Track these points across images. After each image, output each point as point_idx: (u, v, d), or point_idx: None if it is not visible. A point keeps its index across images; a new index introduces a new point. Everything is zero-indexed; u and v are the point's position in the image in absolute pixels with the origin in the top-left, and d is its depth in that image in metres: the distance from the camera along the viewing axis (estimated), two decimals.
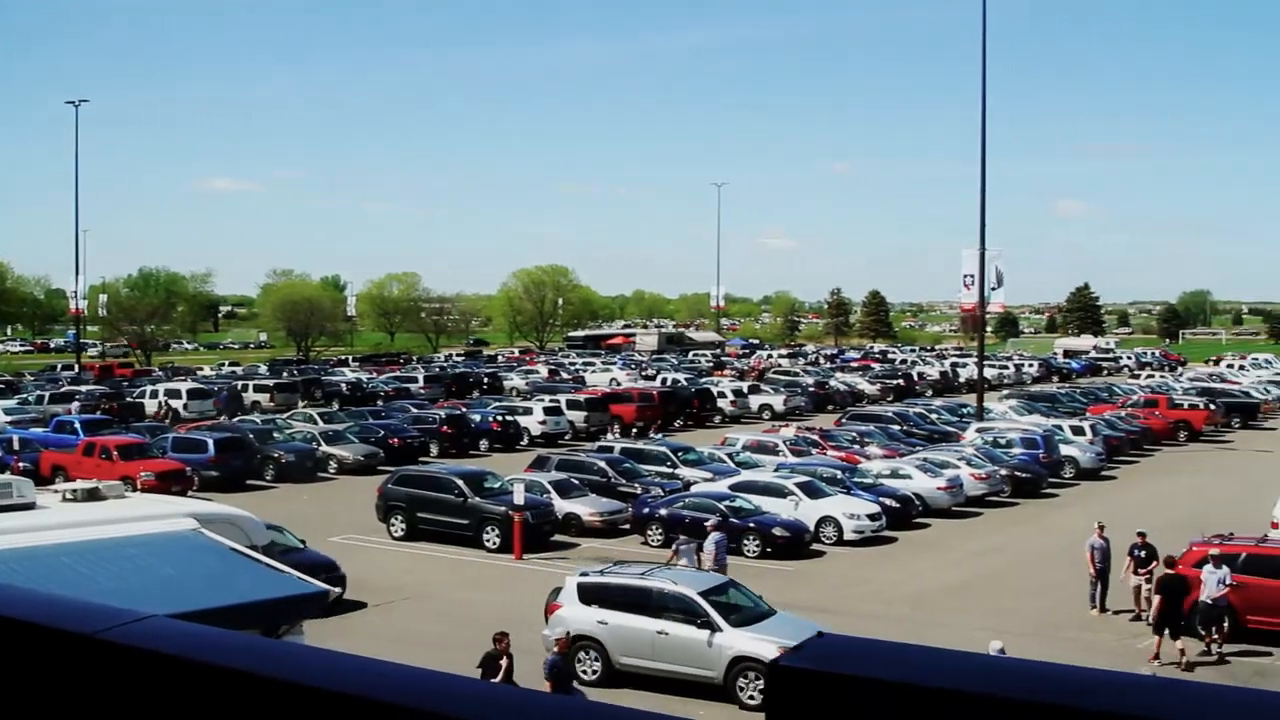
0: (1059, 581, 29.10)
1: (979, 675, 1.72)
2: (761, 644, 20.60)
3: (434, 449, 52.20)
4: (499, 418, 56.60)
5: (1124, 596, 26.92)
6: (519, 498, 32.86)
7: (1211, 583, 24.11)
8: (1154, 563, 25.71)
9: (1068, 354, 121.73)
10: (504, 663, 18.96)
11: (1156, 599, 24.11)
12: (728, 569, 27.21)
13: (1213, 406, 64.02)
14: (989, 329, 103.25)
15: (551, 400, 61.72)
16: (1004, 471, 42.56)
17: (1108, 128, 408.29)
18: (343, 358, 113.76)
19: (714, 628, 21.44)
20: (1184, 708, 1.61)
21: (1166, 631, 23.57)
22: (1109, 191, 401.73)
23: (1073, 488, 45.39)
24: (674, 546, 29.09)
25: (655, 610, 22.07)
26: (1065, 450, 47.88)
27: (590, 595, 22.82)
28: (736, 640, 21.23)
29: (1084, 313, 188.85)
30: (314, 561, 26.51)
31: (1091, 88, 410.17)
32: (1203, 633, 24.17)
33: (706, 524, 30.82)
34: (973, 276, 55.49)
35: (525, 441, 55.22)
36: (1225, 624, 24.33)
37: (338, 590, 17.69)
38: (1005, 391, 77.66)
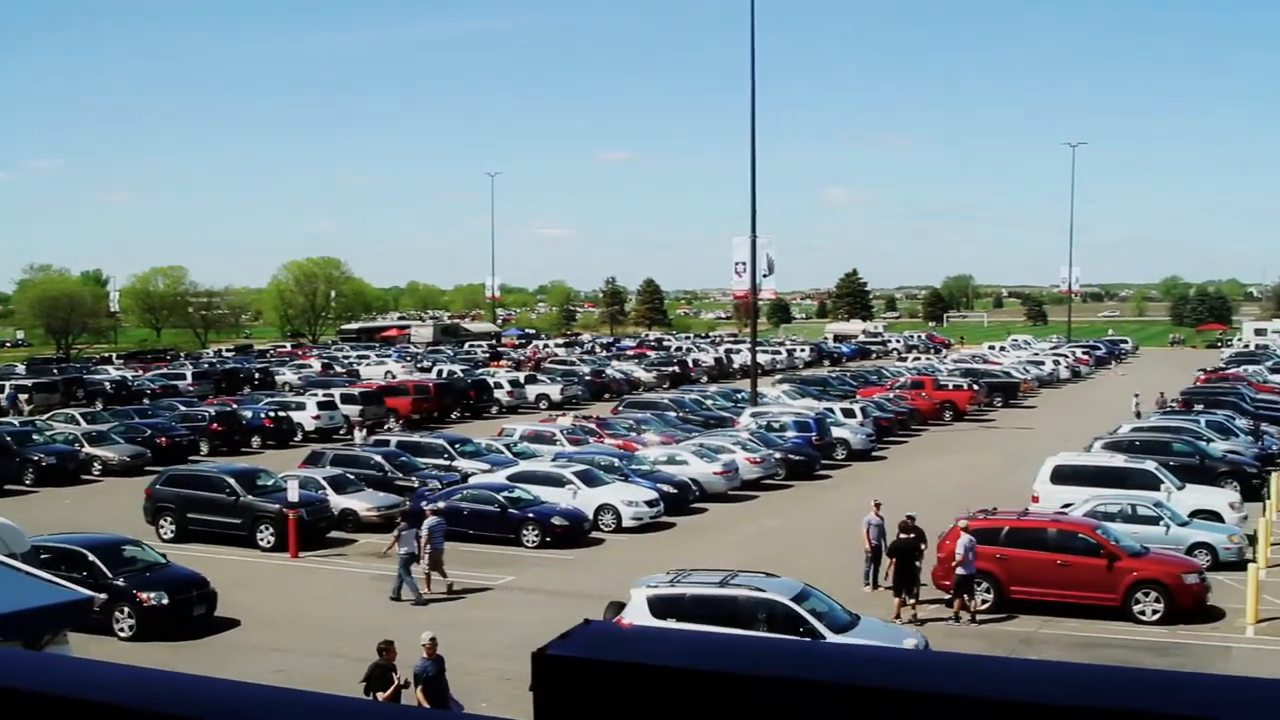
0: (834, 560, 29.78)
1: (741, 656, 1.69)
2: None
3: (204, 447, 50.66)
4: (271, 414, 55.25)
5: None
6: (293, 495, 32.11)
7: (960, 551, 25.14)
8: (922, 545, 26.35)
9: (838, 339, 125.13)
10: (396, 676, 17.48)
11: (889, 561, 25.92)
12: (444, 553, 27.85)
13: (976, 387, 66.54)
14: (762, 315, 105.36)
15: (325, 394, 60.51)
16: (778, 455, 43.45)
17: (879, 116, 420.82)
18: (106, 355, 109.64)
19: (817, 636, 19.69)
20: (932, 676, 1.60)
21: (903, 593, 25.30)
22: (877, 179, 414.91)
23: (845, 469, 46.63)
24: (395, 532, 28.64)
25: (744, 621, 20.50)
26: (837, 433, 49.10)
27: (664, 608, 21.07)
28: None
29: (853, 298, 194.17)
30: (183, 577, 25.58)
31: (862, 75, 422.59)
32: (955, 600, 25.41)
33: (425, 506, 30.86)
34: (744, 264, 56.39)
35: (299, 437, 54.04)
36: (978, 592, 25.60)
37: (102, 596, 16.90)
38: (778, 376, 79.18)
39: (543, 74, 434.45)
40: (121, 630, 24.13)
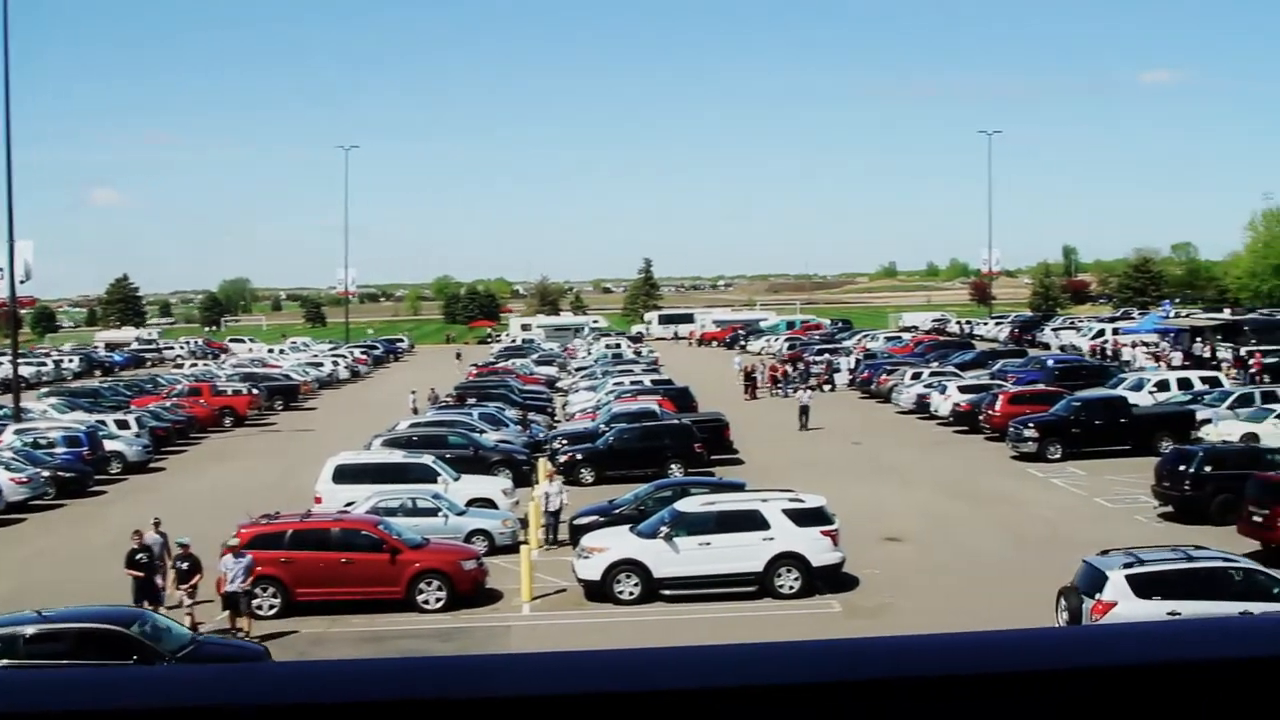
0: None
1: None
2: None
3: None
4: None
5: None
6: None
7: (235, 571, 24.28)
8: (197, 575, 24.86)
9: (110, 347, 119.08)
10: None
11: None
12: None
13: (255, 391, 65.82)
14: (25, 325, 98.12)
15: None
16: (46, 473, 40.54)
17: (148, 116, 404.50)
18: None
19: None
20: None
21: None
22: (148, 180, 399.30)
23: (122, 483, 44.43)
24: None
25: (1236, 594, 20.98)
26: (111, 445, 46.65)
27: (1147, 586, 20.96)
28: None
29: (125, 304, 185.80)
30: None
31: (128, 73, 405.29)
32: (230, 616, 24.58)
33: None
34: (3, 270, 52.29)
35: None
36: (251, 605, 24.79)
37: None
38: (45, 390, 74.20)
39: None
40: None
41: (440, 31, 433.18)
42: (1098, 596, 21.13)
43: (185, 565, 24.96)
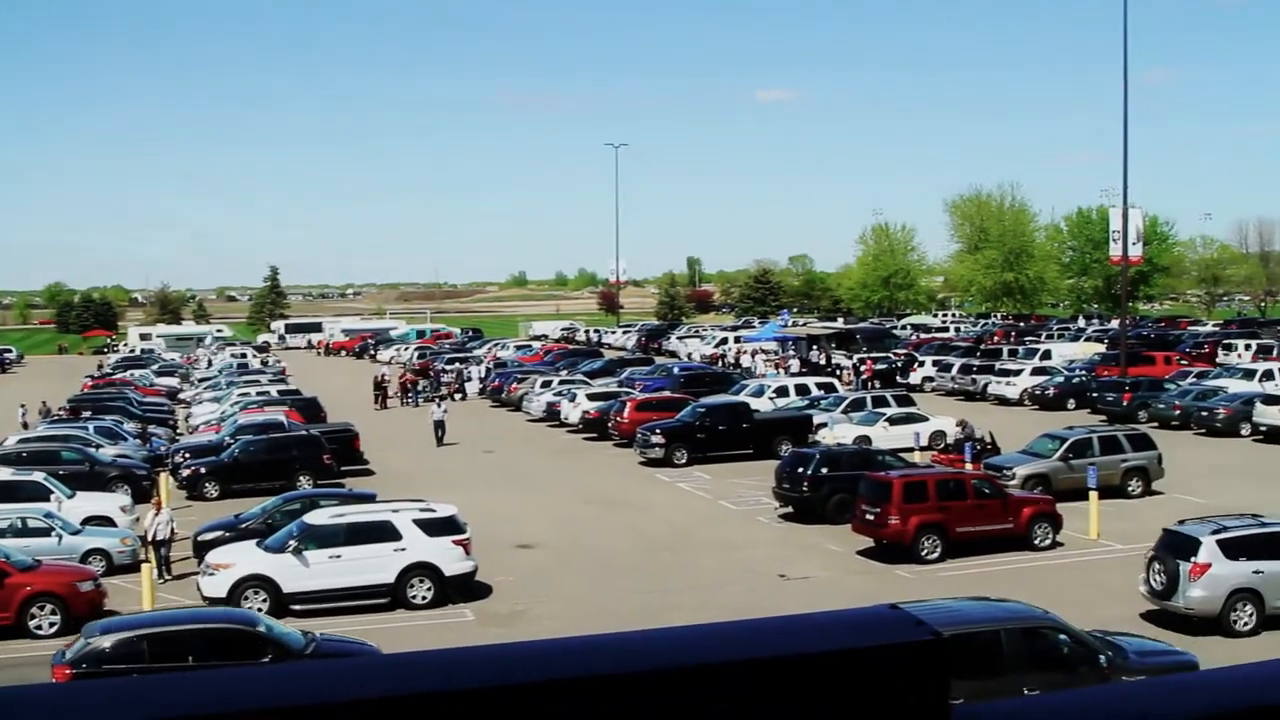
0: None
1: None
2: None
3: None
4: None
5: None
6: None
7: None
8: None
9: None
10: None
11: None
12: None
13: None
14: None
15: None
16: None
17: None
18: None
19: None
20: None
21: None
22: None
23: None
24: None
25: None
26: None
27: (1234, 548, 23.32)
28: None
29: None
30: None
31: None
32: None
33: None
34: None
35: None
36: None
37: None
38: None
39: None
40: None
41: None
42: (1193, 559, 23.27)
43: None
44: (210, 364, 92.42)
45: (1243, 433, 48.50)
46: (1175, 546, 23.89)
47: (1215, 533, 23.73)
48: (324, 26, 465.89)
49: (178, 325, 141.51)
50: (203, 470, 40.10)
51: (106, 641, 19.73)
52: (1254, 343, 74.29)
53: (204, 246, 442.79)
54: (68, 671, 19.09)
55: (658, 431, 45.30)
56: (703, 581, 28.00)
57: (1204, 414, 50.19)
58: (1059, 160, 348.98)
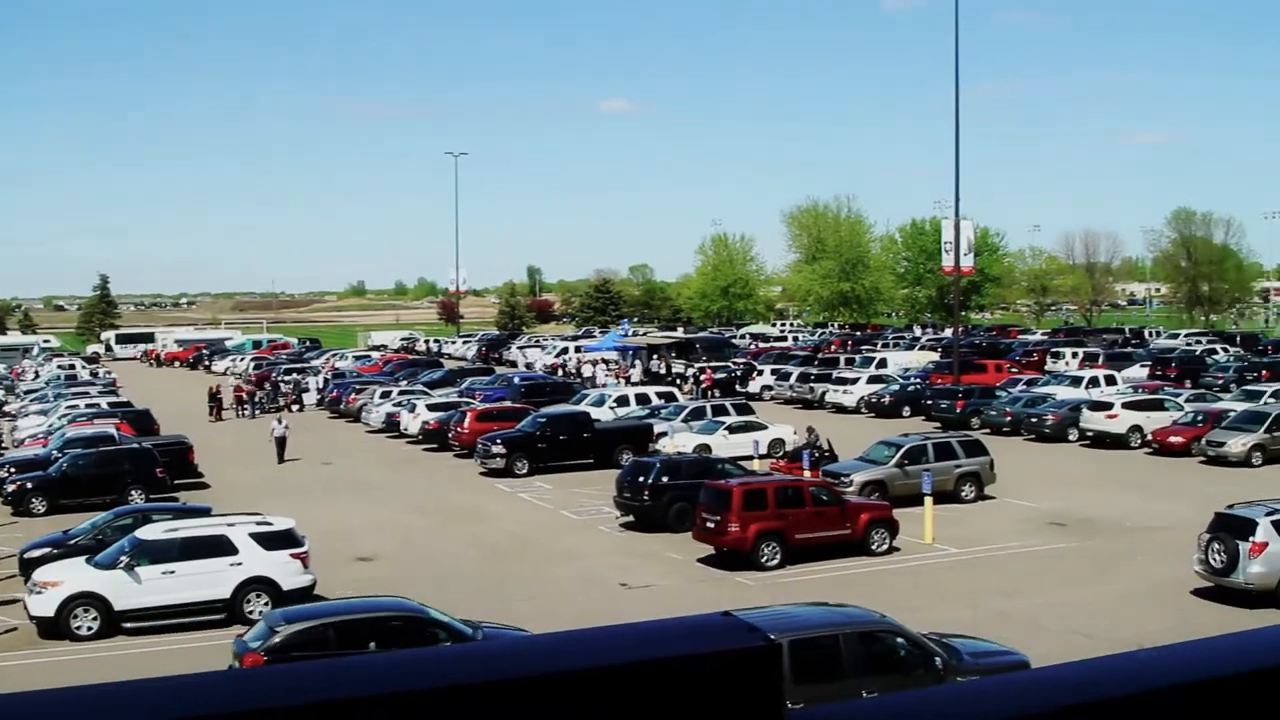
0: None
1: None
2: None
3: None
4: None
5: None
6: None
7: None
8: None
9: None
10: None
11: None
12: None
13: None
14: None
15: None
16: None
17: None
18: None
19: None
20: None
21: None
22: None
23: None
24: None
25: None
26: None
27: None
28: None
29: None
30: None
31: None
32: None
33: None
34: None
35: None
36: None
37: None
38: None
39: None
40: None
41: None
42: (1251, 539, 25.07)
43: None
44: (37, 375, 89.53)
45: (1070, 438, 50.17)
46: (1232, 528, 25.67)
47: (1269, 514, 25.69)
48: (155, 30, 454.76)
49: (2, 335, 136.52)
50: (29, 485, 38.75)
51: (295, 628, 20.34)
52: (1081, 351, 77.13)
53: (31, 254, 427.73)
54: (262, 659, 19.44)
55: (498, 441, 45.12)
56: (544, 591, 27.98)
57: (1034, 420, 51.77)
58: (894, 172, 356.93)
